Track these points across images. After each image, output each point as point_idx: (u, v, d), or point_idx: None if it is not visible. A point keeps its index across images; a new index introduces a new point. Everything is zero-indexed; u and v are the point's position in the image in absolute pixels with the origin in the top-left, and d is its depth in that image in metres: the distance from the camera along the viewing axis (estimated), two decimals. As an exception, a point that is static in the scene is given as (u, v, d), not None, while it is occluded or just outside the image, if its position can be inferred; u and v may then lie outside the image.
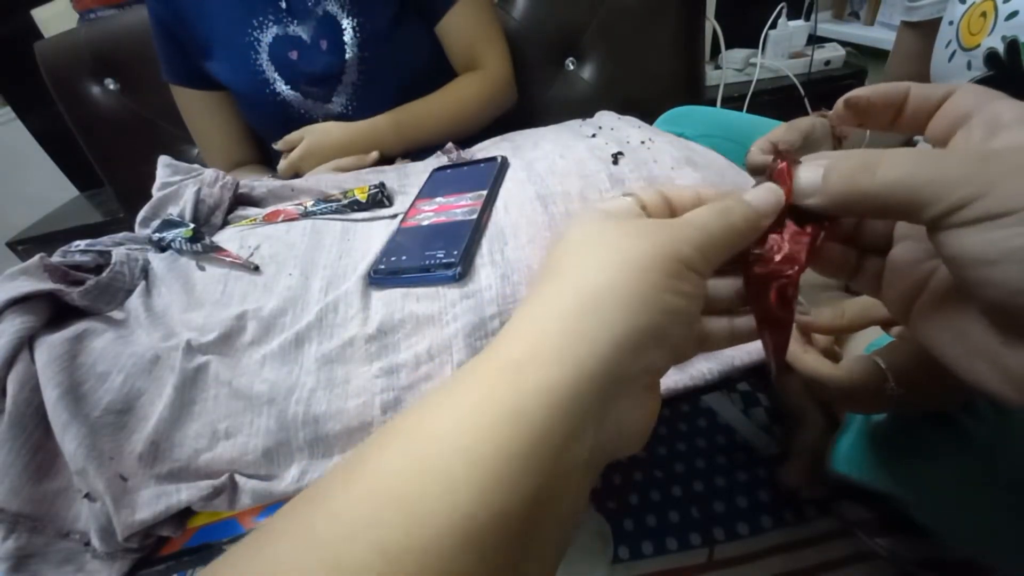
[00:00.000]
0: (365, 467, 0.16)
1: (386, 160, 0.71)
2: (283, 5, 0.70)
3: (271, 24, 0.71)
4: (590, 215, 0.21)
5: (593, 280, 0.18)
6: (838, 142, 0.59)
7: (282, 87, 0.74)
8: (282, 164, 0.71)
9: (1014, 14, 0.47)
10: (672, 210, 0.23)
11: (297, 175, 0.71)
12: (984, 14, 0.50)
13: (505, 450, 0.15)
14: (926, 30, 0.60)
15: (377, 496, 0.14)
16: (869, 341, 0.35)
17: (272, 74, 0.73)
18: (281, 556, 0.14)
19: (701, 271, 0.19)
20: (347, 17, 0.71)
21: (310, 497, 0.16)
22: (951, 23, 0.54)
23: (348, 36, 0.71)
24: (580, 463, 0.16)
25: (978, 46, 0.50)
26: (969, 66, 0.52)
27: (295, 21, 0.71)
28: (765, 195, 0.21)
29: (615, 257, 0.18)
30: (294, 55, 0.72)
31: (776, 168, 0.21)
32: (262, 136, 0.83)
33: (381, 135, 0.71)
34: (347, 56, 0.72)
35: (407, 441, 0.16)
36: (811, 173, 0.19)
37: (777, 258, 0.21)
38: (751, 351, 0.38)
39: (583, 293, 0.18)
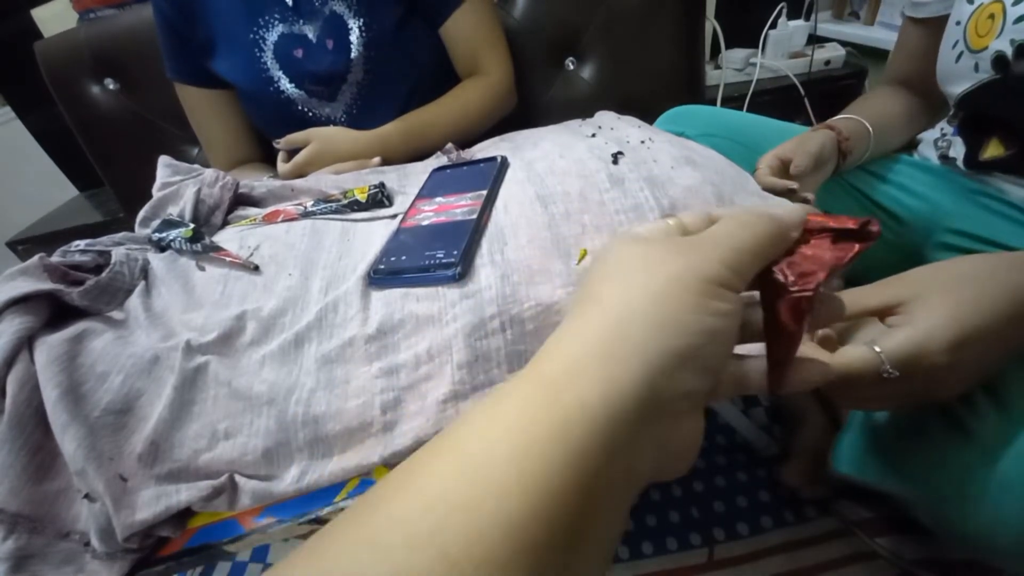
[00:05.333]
0: (422, 475, 0.16)
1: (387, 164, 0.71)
2: (289, 3, 0.71)
3: (277, 22, 0.71)
4: (624, 239, 0.21)
5: (627, 304, 0.18)
6: (843, 157, 0.59)
7: (286, 85, 0.74)
8: (286, 167, 0.71)
9: (1023, 17, 0.47)
10: None
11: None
12: (992, 16, 0.50)
13: (551, 464, 0.15)
14: (931, 28, 0.60)
15: (437, 504, 0.15)
16: (869, 335, 0.35)
17: (276, 72, 0.73)
18: (344, 561, 0.14)
19: (734, 286, 0.19)
20: (354, 17, 0.71)
21: (370, 503, 0.16)
22: (958, 23, 0.54)
23: (354, 36, 0.71)
24: (619, 481, 0.17)
25: (986, 48, 0.50)
26: (976, 68, 0.51)
27: (301, 20, 0.71)
28: (792, 208, 0.21)
29: (648, 280, 0.19)
30: (299, 53, 0.72)
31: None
32: (265, 134, 0.84)
33: (388, 145, 0.71)
34: (353, 56, 0.72)
35: (460, 452, 0.16)
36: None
37: (796, 272, 0.21)
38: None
39: (616, 317, 0.18)
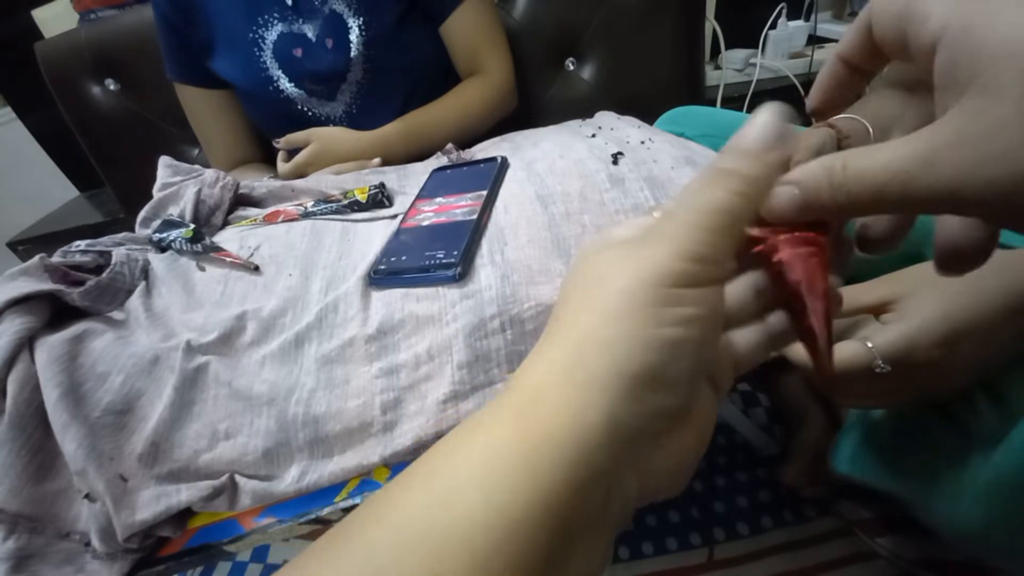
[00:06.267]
0: (390, 508, 0.16)
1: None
2: (289, 2, 0.71)
3: (276, 21, 0.71)
4: (594, 246, 0.19)
5: (583, 327, 0.17)
6: None
7: (286, 84, 0.74)
8: (286, 167, 0.71)
9: None
10: None
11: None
12: None
13: (518, 497, 0.15)
14: None
15: (401, 538, 0.15)
16: (864, 333, 0.35)
17: (276, 71, 0.73)
18: None
19: (701, 279, 0.17)
20: (354, 16, 0.71)
21: (338, 535, 0.16)
22: None
23: (354, 35, 0.71)
24: (595, 511, 0.16)
25: None
26: None
27: (300, 19, 0.71)
28: (745, 141, 0.18)
29: (601, 296, 0.17)
30: (299, 52, 0.72)
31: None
32: (265, 134, 0.84)
33: (389, 145, 0.71)
34: (352, 55, 0.72)
35: (429, 485, 0.16)
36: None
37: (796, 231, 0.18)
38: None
39: (575, 342, 0.17)
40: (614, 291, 0.17)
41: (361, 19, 0.71)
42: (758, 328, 0.20)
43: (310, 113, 0.77)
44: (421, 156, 0.68)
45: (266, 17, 0.71)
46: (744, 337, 0.20)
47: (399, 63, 0.75)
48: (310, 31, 0.72)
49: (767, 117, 0.18)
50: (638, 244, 0.18)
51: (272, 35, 0.72)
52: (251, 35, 0.71)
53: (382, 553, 0.14)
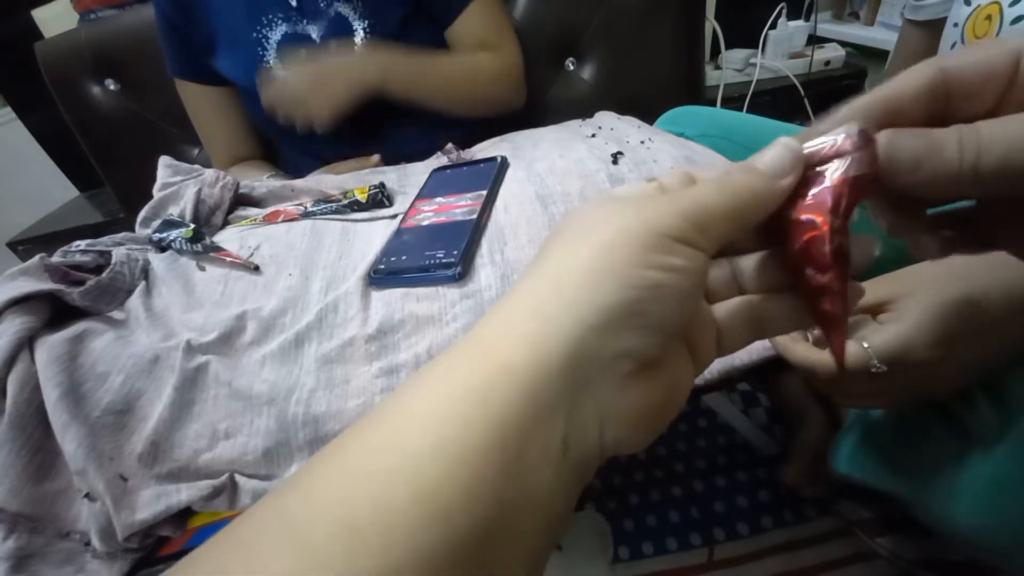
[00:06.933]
0: (340, 449, 0.16)
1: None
2: (293, 3, 0.70)
3: (280, 22, 0.71)
4: (595, 199, 0.19)
5: (568, 259, 0.17)
6: None
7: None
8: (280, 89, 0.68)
9: (1019, 19, 0.47)
10: None
11: (297, 173, 0.71)
12: (989, 17, 0.50)
13: (470, 428, 0.15)
14: (931, 30, 0.60)
15: (347, 474, 0.15)
16: (862, 333, 0.35)
17: (280, 72, 0.73)
18: (254, 539, 0.14)
19: (696, 243, 0.17)
20: (358, 19, 0.71)
21: (289, 481, 0.16)
22: (956, 25, 0.54)
23: (359, 37, 0.71)
24: (554, 453, 0.16)
25: None
26: None
27: (305, 20, 0.71)
28: (774, 155, 0.18)
29: (591, 236, 0.17)
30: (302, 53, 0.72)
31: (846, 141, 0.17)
32: (265, 132, 0.84)
33: (390, 70, 0.68)
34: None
35: (381, 423, 0.16)
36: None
37: (816, 212, 0.18)
38: (751, 351, 0.38)
39: (555, 273, 0.17)
40: (614, 229, 0.17)
41: (366, 21, 0.71)
42: (743, 307, 0.21)
43: None
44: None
45: (270, 17, 0.71)
46: (728, 310, 0.21)
47: None
48: (314, 32, 0.72)
49: (793, 153, 0.19)
50: (644, 198, 0.18)
51: (276, 35, 0.72)
52: (254, 35, 0.71)
53: (329, 492, 0.14)
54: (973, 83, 0.17)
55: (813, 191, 0.18)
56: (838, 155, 0.18)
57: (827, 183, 0.18)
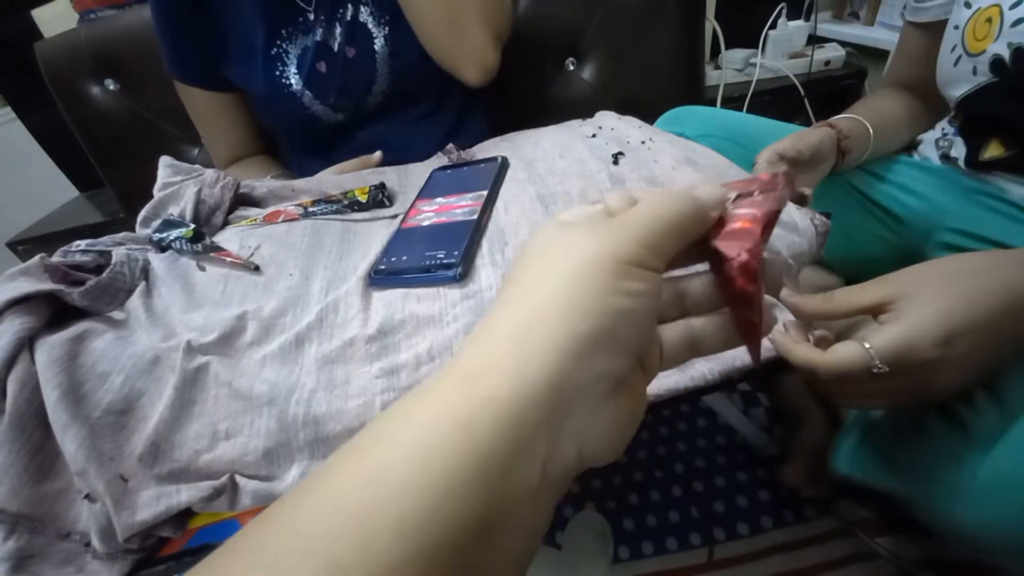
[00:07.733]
0: (321, 482, 0.16)
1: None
2: (311, 15, 0.69)
3: (299, 35, 0.70)
4: (548, 223, 0.21)
5: (541, 290, 0.18)
6: (842, 156, 0.59)
7: (309, 97, 0.72)
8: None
9: (1020, 21, 0.47)
10: None
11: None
12: (990, 20, 0.50)
13: (454, 461, 0.15)
14: (931, 32, 0.60)
15: (329, 508, 0.14)
16: (863, 333, 0.35)
17: (299, 86, 0.71)
18: (236, 572, 0.14)
19: (651, 265, 0.19)
20: (378, 26, 0.70)
21: (267, 514, 0.15)
22: (956, 27, 0.54)
23: (379, 45, 0.70)
24: (534, 477, 0.16)
25: (983, 52, 0.50)
26: (975, 71, 0.52)
27: (323, 31, 0.70)
28: (710, 188, 0.22)
29: (560, 264, 0.19)
30: (323, 67, 0.71)
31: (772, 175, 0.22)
32: (277, 135, 0.83)
33: None
34: (377, 65, 0.71)
35: (363, 455, 0.16)
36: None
37: (736, 239, 0.21)
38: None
39: (532, 304, 0.18)
40: (577, 259, 0.19)
41: (387, 28, 0.70)
42: (682, 327, 0.23)
43: (333, 124, 0.75)
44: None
45: (290, 30, 0.70)
46: (670, 333, 0.23)
47: (426, 73, 0.73)
48: (334, 43, 0.70)
49: (722, 191, 0.22)
50: (601, 225, 0.20)
51: (296, 50, 0.70)
52: (274, 51, 0.70)
53: (314, 527, 0.14)
54: None
55: (741, 213, 0.22)
56: (761, 190, 0.22)
57: (752, 211, 0.21)
